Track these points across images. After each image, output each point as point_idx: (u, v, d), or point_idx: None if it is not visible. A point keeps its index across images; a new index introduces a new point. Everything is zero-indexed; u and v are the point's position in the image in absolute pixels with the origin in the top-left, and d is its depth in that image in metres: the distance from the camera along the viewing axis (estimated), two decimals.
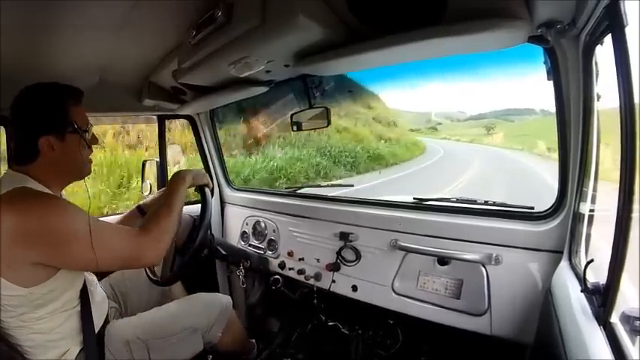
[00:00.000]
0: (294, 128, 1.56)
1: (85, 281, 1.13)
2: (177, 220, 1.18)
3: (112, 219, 1.47)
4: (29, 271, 0.93)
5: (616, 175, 0.68)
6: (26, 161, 1.03)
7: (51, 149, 1.03)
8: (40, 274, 0.95)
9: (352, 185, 2.17)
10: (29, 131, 1.02)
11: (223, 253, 1.71)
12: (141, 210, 1.48)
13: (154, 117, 2.07)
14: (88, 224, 0.95)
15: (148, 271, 1.47)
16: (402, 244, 1.38)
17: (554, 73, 0.99)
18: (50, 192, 1.03)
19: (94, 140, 1.16)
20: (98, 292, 1.23)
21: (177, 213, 1.19)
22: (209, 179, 1.42)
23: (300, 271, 1.72)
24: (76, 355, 1.08)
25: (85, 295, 1.12)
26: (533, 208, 1.19)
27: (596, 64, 0.86)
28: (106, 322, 1.23)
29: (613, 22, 0.67)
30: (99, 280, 1.32)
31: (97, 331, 1.15)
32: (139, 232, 1.07)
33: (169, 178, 1.32)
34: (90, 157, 1.15)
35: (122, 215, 1.50)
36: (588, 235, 0.96)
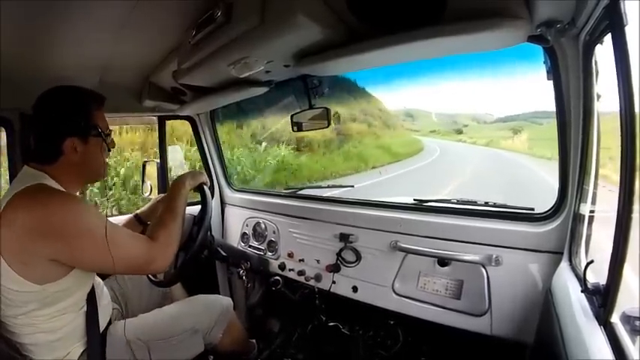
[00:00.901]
0: (295, 129, 1.56)
1: (93, 284, 1.14)
2: (181, 224, 1.21)
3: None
4: (44, 267, 0.94)
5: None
6: (48, 161, 1.05)
7: (74, 151, 1.05)
8: (54, 272, 0.96)
9: (352, 186, 2.17)
10: (54, 132, 1.05)
11: (223, 254, 1.71)
12: (138, 219, 1.48)
13: (154, 118, 2.07)
14: (104, 225, 0.97)
15: None
16: (402, 245, 1.38)
17: (554, 72, 0.99)
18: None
19: (113, 144, 1.19)
20: (104, 295, 1.23)
21: (182, 217, 1.22)
22: (206, 176, 1.44)
23: (301, 272, 1.72)
24: (79, 355, 1.08)
25: (92, 297, 1.12)
26: (533, 209, 1.19)
27: (596, 63, 0.86)
28: (109, 323, 1.23)
29: (613, 22, 0.67)
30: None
31: (101, 332, 1.15)
32: (149, 239, 1.10)
33: (170, 179, 1.33)
34: (107, 160, 1.18)
35: (120, 224, 1.46)
36: (588, 236, 0.96)
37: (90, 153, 1.09)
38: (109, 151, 1.17)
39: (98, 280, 1.23)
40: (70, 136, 1.04)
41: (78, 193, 1.16)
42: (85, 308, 1.10)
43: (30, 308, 0.97)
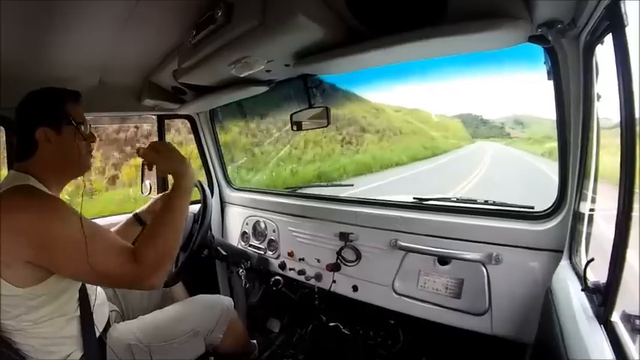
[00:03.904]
0: (294, 128, 1.55)
1: (85, 285, 1.13)
2: (179, 238, 1.07)
3: (109, 224, 1.42)
4: (24, 270, 0.93)
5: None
6: (26, 156, 1.04)
7: (48, 141, 1.04)
8: (34, 275, 0.95)
9: (352, 185, 2.17)
10: (28, 125, 1.04)
11: (224, 253, 1.71)
12: (138, 218, 1.44)
13: (154, 117, 2.07)
14: (82, 232, 0.92)
15: None
16: (402, 243, 1.38)
17: (555, 72, 0.99)
18: (50, 192, 1.03)
19: (92, 136, 1.15)
20: (98, 296, 1.22)
21: (180, 231, 1.07)
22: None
23: (301, 272, 1.72)
24: (79, 358, 1.08)
25: (84, 300, 1.11)
26: (533, 207, 1.19)
27: (596, 63, 0.86)
28: (108, 325, 1.23)
29: (613, 22, 0.67)
30: None
31: (98, 335, 1.14)
32: (136, 258, 0.97)
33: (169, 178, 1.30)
34: (89, 152, 1.15)
35: (119, 225, 1.43)
36: (588, 234, 0.96)
37: (64, 143, 1.06)
38: (86, 140, 1.11)
39: None
40: (42, 126, 1.03)
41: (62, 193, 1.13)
42: (78, 312, 1.09)
43: (17, 313, 0.96)
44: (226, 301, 1.48)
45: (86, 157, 1.13)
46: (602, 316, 0.70)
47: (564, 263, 1.00)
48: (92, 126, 1.16)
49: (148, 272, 0.97)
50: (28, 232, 0.90)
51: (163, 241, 1.01)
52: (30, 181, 1.01)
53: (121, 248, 0.99)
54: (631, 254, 0.66)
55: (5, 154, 1.57)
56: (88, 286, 1.14)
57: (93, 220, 1.02)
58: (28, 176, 1.02)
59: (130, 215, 1.46)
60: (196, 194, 1.44)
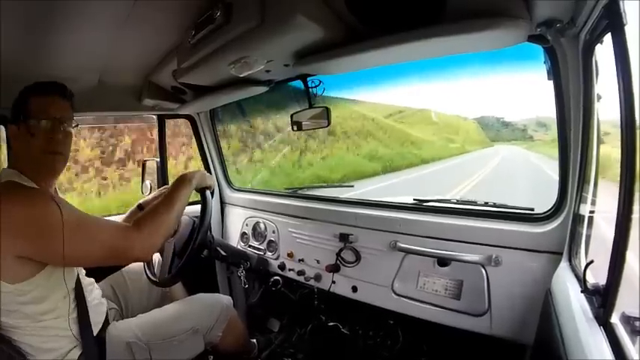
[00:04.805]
0: (294, 128, 1.55)
1: (80, 284, 1.13)
2: (175, 220, 1.18)
3: (116, 219, 1.46)
4: (14, 265, 0.93)
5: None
6: (8, 153, 1.11)
7: (14, 139, 1.08)
8: (25, 270, 0.96)
9: (352, 186, 2.17)
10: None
11: (223, 254, 1.70)
12: (142, 208, 1.47)
13: (154, 117, 2.07)
14: (70, 217, 0.95)
15: (148, 272, 1.47)
16: (402, 245, 1.37)
17: (554, 72, 0.99)
18: (36, 186, 1.04)
19: (50, 132, 1.06)
20: (95, 295, 1.22)
21: (177, 213, 1.18)
22: (214, 180, 1.43)
23: (300, 272, 1.72)
24: (77, 357, 1.08)
25: (80, 299, 1.11)
26: (533, 209, 1.19)
27: (595, 62, 0.86)
28: (107, 323, 1.23)
29: (612, 21, 0.66)
30: (98, 281, 1.31)
31: (97, 333, 1.15)
32: (130, 226, 1.07)
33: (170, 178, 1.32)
34: (57, 148, 1.08)
35: (124, 214, 1.50)
36: (588, 236, 0.95)
37: (21, 139, 1.06)
38: (34, 135, 1.04)
39: (88, 280, 1.23)
40: (10, 124, 1.07)
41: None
42: (75, 312, 1.09)
43: (11, 309, 0.97)
44: (225, 299, 1.48)
45: (45, 156, 1.07)
46: (602, 318, 0.69)
47: (564, 265, 0.99)
48: (75, 124, 1.14)
49: (141, 238, 1.06)
50: (15, 226, 0.91)
51: (161, 217, 1.12)
52: (15, 176, 1.02)
53: (114, 222, 1.10)
54: (631, 256, 0.66)
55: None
56: (84, 285, 1.15)
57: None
58: (16, 172, 1.03)
59: (135, 206, 1.50)
60: (197, 194, 1.44)
